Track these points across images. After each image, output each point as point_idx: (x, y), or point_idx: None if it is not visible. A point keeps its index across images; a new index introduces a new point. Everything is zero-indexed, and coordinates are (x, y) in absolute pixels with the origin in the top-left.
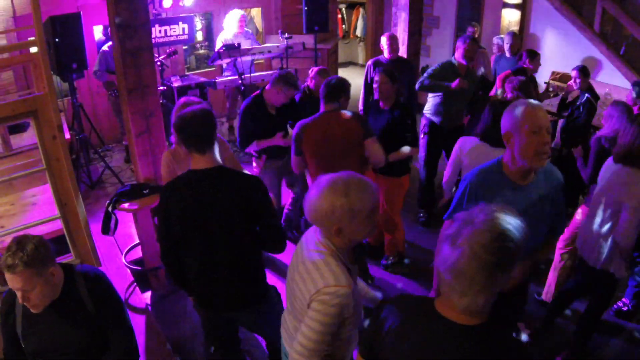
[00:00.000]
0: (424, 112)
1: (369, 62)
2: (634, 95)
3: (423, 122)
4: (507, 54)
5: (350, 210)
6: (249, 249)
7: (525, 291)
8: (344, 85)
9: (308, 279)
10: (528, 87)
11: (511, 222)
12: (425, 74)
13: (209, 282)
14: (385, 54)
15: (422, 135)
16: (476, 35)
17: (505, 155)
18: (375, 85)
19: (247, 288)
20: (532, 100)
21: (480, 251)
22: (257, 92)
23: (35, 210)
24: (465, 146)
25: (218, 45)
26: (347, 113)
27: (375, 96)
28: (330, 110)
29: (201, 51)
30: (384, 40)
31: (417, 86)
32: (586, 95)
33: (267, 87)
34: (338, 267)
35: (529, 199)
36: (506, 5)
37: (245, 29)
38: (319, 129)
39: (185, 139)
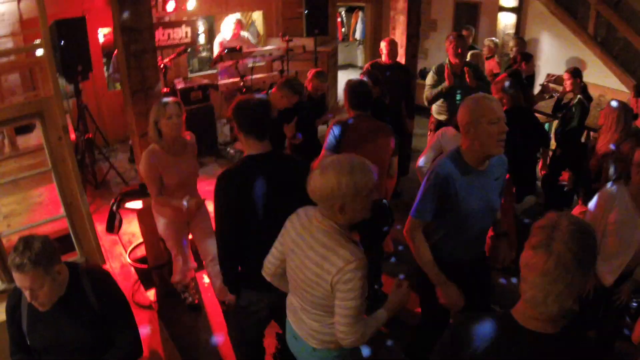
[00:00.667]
0: (432, 112)
1: (367, 65)
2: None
3: (430, 120)
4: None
5: (354, 188)
6: None
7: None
8: (372, 92)
9: (324, 263)
10: (515, 89)
11: (589, 225)
12: (426, 88)
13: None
14: (384, 58)
15: (429, 133)
16: (470, 39)
17: (463, 145)
18: None
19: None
20: (485, 94)
21: (578, 250)
22: (263, 93)
23: (41, 209)
24: (447, 134)
25: (215, 48)
26: (384, 126)
27: None
28: (367, 117)
29: (204, 54)
30: (383, 45)
31: (427, 103)
32: (578, 96)
33: (272, 90)
34: (348, 242)
35: (487, 182)
36: (502, 8)
37: (242, 33)
38: (359, 134)
39: (246, 124)
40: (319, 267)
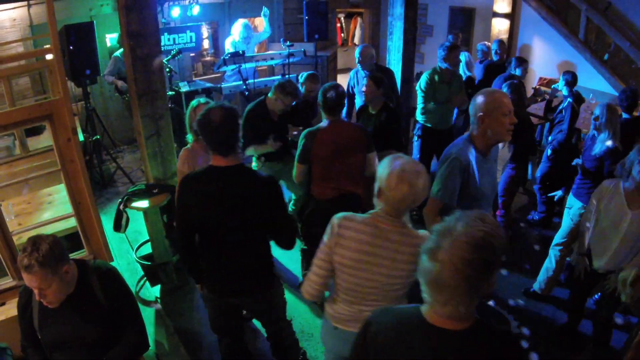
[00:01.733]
0: (417, 117)
1: (352, 72)
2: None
3: (417, 126)
4: (494, 58)
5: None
6: (259, 241)
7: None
8: (344, 97)
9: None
10: (520, 90)
11: (487, 229)
12: (420, 99)
13: (221, 270)
14: (361, 64)
15: (415, 138)
16: (458, 43)
17: (474, 132)
18: (362, 89)
19: (255, 277)
20: (496, 89)
21: (461, 265)
22: (262, 97)
23: (51, 208)
24: None
25: (226, 48)
26: (354, 125)
27: (361, 101)
28: (336, 121)
29: (207, 58)
30: (359, 52)
31: (420, 113)
32: (568, 99)
33: (269, 94)
34: (418, 229)
35: (491, 165)
36: (496, 14)
37: (252, 37)
38: (329, 139)
39: (208, 142)
40: (414, 263)
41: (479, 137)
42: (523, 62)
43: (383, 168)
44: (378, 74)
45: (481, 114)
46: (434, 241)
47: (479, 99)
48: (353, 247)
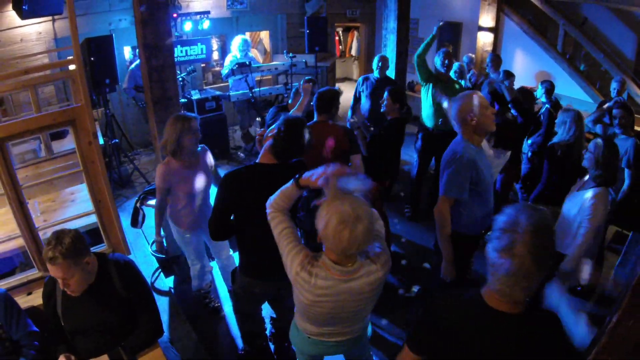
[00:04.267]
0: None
1: (360, 79)
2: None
3: (418, 127)
4: (491, 73)
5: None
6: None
7: None
8: (335, 97)
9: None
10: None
11: (543, 214)
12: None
13: (260, 254)
14: (376, 73)
15: (416, 139)
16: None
17: (465, 134)
18: (382, 102)
19: None
20: (472, 91)
21: (538, 252)
22: (283, 105)
23: (74, 206)
24: None
25: (225, 66)
26: (339, 126)
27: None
28: (324, 121)
29: (217, 68)
30: (376, 61)
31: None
32: (546, 106)
33: (289, 101)
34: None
35: (484, 155)
36: (481, 28)
37: (249, 53)
38: (314, 137)
39: (280, 140)
40: (379, 288)
41: (471, 135)
42: (510, 76)
43: (320, 216)
44: (395, 88)
45: (473, 114)
46: (504, 238)
47: (464, 102)
48: (316, 292)
